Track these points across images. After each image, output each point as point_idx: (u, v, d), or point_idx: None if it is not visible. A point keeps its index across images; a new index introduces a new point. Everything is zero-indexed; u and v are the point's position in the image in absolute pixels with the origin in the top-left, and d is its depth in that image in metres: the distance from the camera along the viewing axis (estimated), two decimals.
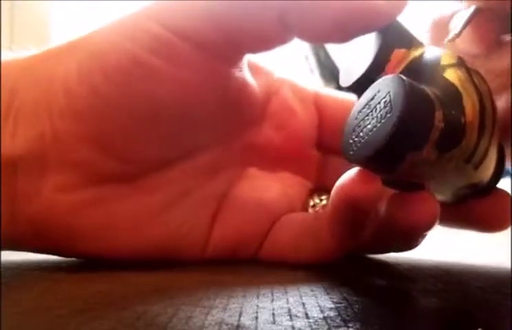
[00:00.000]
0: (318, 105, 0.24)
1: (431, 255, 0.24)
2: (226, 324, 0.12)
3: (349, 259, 0.22)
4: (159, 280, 0.18)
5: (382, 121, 0.16)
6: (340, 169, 0.21)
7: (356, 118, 0.17)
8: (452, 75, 0.17)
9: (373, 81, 0.17)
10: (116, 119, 0.18)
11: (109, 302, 0.15)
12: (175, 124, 0.19)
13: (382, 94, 0.16)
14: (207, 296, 0.15)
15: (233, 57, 0.20)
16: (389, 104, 0.16)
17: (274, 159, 0.23)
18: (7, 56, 0.20)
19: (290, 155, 0.23)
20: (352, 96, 0.20)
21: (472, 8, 0.20)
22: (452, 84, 0.17)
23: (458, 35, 0.20)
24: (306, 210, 0.23)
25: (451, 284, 0.17)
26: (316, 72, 1.06)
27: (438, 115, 0.16)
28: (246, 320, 0.13)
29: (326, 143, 0.24)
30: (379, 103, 0.16)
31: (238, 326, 0.12)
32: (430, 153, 0.16)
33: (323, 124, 0.24)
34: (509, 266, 0.20)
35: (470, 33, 0.20)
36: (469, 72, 0.17)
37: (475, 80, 0.17)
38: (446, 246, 0.29)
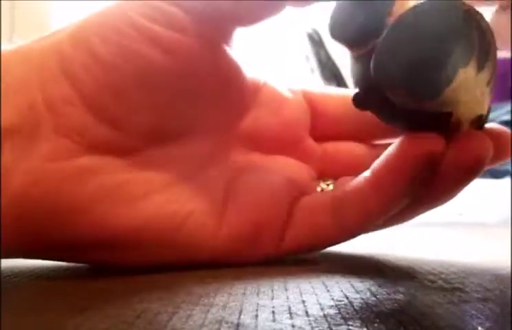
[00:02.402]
0: (308, 98, 0.24)
1: (431, 254, 0.24)
2: (226, 322, 0.12)
3: (349, 258, 0.22)
4: (159, 279, 0.18)
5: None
6: (338, 157, 0.22)
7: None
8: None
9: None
10: (111, 81, 0.18)
11: (108, 301, 0.15)
12: (169, 92, 0.19)
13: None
14: (207, 294, 0.15)
15: (227, 29, 0.20)
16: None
17: (274, 146, 0.23)
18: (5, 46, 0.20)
19: (288, 141, 0.24)
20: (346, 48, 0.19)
21: None
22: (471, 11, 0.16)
23: None
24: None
25: (451, 283, 0.17)
26: (317, 72, 1.06)
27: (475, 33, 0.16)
28: (246, 318, 0.13)
29: (320, 132, 0.24)
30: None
31: (238, 324, 0.12)
32: (472, 70, 0.16)
33: (314, 114, 0.24)
34: (509, 266, 0.20)
35: None
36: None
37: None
38: (446, 245, 0.29)
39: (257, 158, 0.23)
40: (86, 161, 0.18)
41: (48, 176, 0.18)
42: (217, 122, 0.22)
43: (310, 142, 0.24)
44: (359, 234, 0.20)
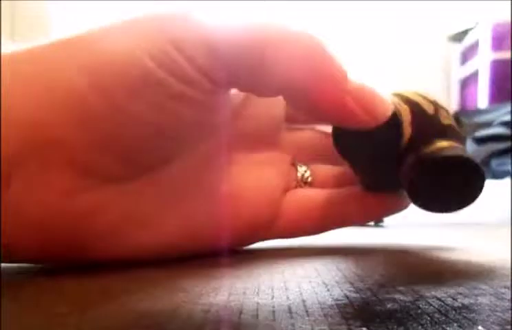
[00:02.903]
0: None
1: (431, 253, 0.24)
2: (226, 322, 0.12)
3: (349, 258, 0.22)
4: (159, 278, 0.18)
5: None
6: (302, 142, 0.27)
7: None
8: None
9: None
10: (130, 129, 0.18)
11: (109, 300, 0.15)
12: (178, 131, 0.20)
13: None
14: (207, 294, 0.15)
15: (234, 86, 0.21)
16: None
17: (253, 141, 0.25)
18: (7, 47, 0.19)
19: (272, 135, 0.26)
20: None
21: None
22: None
23: None
24: (297, 180, 0.26)
25: (451, 283, 0.17)
26: None
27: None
28: (246, 318, 0.13)
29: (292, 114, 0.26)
30: None
31: (238, 323, 0.12)
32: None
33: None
34: (509, 266, 0.20)
35: None
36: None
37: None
38: (445, 244, 0.29)
39: (247, 156, 0.24)
40: (99, 194, 0.19)
41: (63, 210, 0.18)
42: (207, 135, 0.22)
43: (284, 130, 0.26)
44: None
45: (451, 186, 0.22)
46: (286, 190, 0.26)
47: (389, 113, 0.20)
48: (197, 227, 0.22)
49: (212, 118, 0.21)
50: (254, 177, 0.24)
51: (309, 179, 0.27)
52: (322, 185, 0.27)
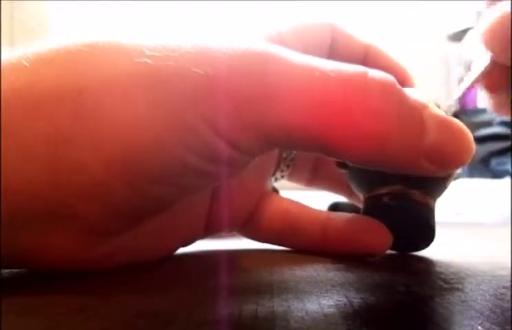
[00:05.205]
0: None
1: (431, 253, 0.24)
2: (226, 322, 0.12)
3: (349, 258, 0.22)
4: (159, 278, 0.18)
5: None
6: None
7: None
8: None
9: None
10: (146, 205, 0.17)
11: (109, 300, 0.15)
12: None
13: None
14: (207, 294, 0.15)
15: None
16: None
17: None
18: (6, 56, 0.18)
19: None
20: None
21: (484, 60, 0.21)
22: None
23: (464, 93, 0.21)
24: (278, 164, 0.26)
25: (451, 283, 0.17)
26: None
27: None
28: (246, 318, 0.13)
29: None
30: None
31: (238, 323, 0.12)
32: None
33: None
34: (509, 266, 0.20)
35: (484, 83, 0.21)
36: None
37: None
38: (446, 245, 0.29)
39: None
40: (107, 245, 0.18)
41: (72, 260, 0.18)
42: None
43: None
44: None
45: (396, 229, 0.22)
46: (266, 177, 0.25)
47: (470, 156, 0.17)
48: (194, 229, 0.22)
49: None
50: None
51: (289, 164, 0.26)
52: (301, 170, 0.27)
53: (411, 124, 0.16)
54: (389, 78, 0.17)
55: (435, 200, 0.22)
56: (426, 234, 0.22)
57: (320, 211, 0.24)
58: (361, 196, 0.23)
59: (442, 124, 0.17)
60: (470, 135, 0.17)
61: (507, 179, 0.95)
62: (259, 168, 0.24)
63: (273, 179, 0.27)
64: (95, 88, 0.16)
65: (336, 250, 0.23)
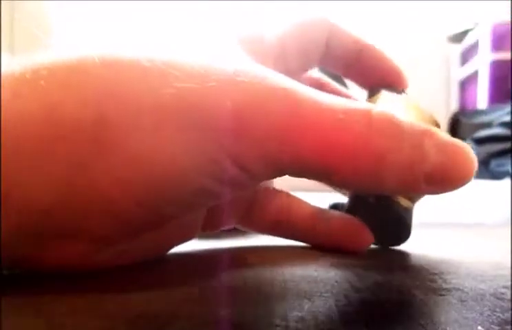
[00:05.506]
0: None
1: (431, 253, 0.24)
2: (226, 322, 0.12)
3: (349, 258, 0.22)
4: (159, 278, 0.18)
5: None
6: None
7: None
8: None
9: None
10: (153, 223, 0.18)
11: (109, 300, 0.15)
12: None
13: None
14: (207, 293, 0.15)
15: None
16: None
17: None
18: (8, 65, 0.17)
19: None
20: None
21: None
22: None
23: None
24: None
25: (451, 283, 0.17)
26: (316, 70, 1.06)
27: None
28: (246, 318, 0.13)
29: None
30: None
31: (238, 323, 0.12)
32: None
33: None
34: (509, 266, 0.20)
35: None
36: None
37: None
38: (446, 245, 0.29)
39: None
40: (111, 252, 0.18)
41: (78, 265, 0.18)
42: None
43: None
44: None
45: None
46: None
47: (468, 181, 0.17)
48: (193, 227, 0.22)
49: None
50: None
51: None
52: None
53: (411, 154, 0.17)
54: (389, 114, 0.18)
55: (414, 203, 0.24)
56: (403, 234, 0.25)
57: (313, 206, 0.25)
58: (347, 195, 0.26)
59: (442, 148, 0.17)
60: (472, 155, 0.18)
61: (507, 180, 0.95)
62: None
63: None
64: (118, 117, 0.16)
65: (324, 245, 0.24)
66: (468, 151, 0.18)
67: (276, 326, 0.12)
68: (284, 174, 0.18)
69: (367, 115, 0.17)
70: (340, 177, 0.17)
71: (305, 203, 0.26)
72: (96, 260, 0.18)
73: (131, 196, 0.16)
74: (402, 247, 0.26)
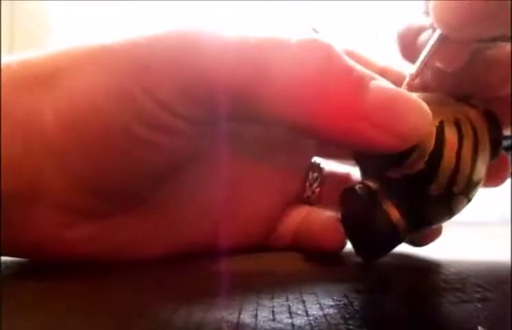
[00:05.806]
0: None
1: (431, 253, 0.24)
2: (226, 321, 0.12)
3: (349, 258, 0.22)
4: (159, 278, 0.18)
5: None
6: None
7: None
8: None
9: None
10: (103, 173, 0.18)
11: (109, 300, 0.15)
12: (153, 171, 0.19)
13: None
14: (207, 293, 0.15)
15: (209, 122, 0.19)
16: None
17: (273, 145, 0.24)
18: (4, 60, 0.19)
19: (286, 138, 0.24)
20: None
21: (436, 35, 0.20)
22: None
23: (417, 75, 0.20)
24: (304, 189, 0.25)
25: (451, 283, 0.17)
26: None
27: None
28: (246, 318, 0.13)
29: None
30: None
31: (238, 323, 0.12)
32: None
33: None
34: (509, 266, 0.20)
35: (439, 57, 0.20)
36: None
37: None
38: (446, 245, 0.29)
39: (257, 167, 0.23)
40: (88, 228, 0.19)
41: (54, 240, 0.19)
42: (203, 155, 0.21)
43: None
44: None
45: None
46: (290, 200, 0.25)
47: (424, 130, 0.17)
48: (194, 236, 0.22)
49: (200, 144, 0.20)
50: (253, 196, 0.23)
51: (316, 190, 0.25)
52: (329, 191, 0.25)
53: (345, 83, 0.17)
54: (325, 44, 0.17)
55: (409, 225, 0.19)
56: (381, 246, 0.20)
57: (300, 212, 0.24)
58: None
59: (388, 89, 0.17)
60: (420, 107, 0.17)
61: (507, 180, 0.94)
62: (266, 185, 0.24)
63: (305, 199, 0.26)
64: (68, 66, 0.18)
65: (303, 248, 0.23)
66: (415, 101, 0.17)
67: (277, 326, 0.12)
68: (219, 120, 0.18)
69: (327, 48, 0.17)
70: (266, 107, 0.17)
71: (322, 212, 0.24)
72: (76, 236, 0.19)
73: (69, 136, 0.17)
74: (402, 247, 0.26)
